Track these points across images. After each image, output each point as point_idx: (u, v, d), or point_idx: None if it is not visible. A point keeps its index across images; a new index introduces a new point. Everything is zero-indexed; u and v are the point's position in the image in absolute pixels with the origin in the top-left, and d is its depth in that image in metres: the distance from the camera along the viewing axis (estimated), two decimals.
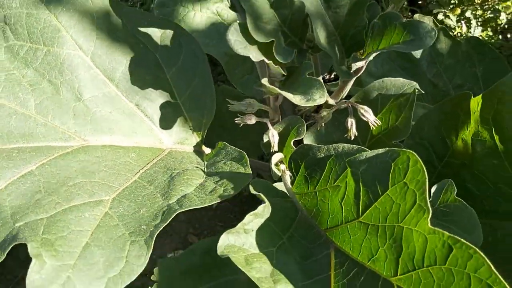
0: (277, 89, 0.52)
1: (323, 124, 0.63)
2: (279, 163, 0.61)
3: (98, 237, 0.47)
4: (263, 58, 0.50)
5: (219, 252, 0.45)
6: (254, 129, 0.66)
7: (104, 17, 0.60)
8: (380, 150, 0.45)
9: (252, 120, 0.60)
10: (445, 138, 0.67)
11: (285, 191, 0.58)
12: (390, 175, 0.43)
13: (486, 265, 0.34)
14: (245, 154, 0.57)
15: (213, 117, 0.65)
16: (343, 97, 0.64)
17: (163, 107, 0.63)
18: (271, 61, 0.51)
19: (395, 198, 0.42)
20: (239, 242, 0.46)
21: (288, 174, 0.58)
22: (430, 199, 0.55)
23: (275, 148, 0.59)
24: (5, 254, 0.45)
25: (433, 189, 0.55)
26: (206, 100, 0.65)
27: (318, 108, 0.68)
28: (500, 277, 0.34)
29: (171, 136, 0.64)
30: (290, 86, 0.54)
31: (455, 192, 0.54)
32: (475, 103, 0.60)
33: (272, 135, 0.59)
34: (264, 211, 0.48)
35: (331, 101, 0.62)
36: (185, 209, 0.49)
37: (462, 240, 0.36)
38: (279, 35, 0.53)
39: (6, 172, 0.51)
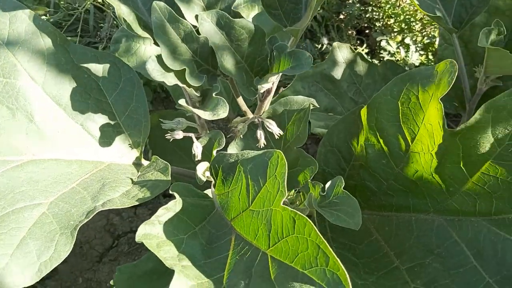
0: (190, 107, 0.64)
1: (241, 136, 0.74)
2: (206, 171, 0.73)
3: (33, 232, 0.58)
4: (177, 82, 0.63)
5: (137, 239, 0.56)
6: None
7: (53, 53, 0.73)
8: (261, 151, 0.56)
9: (180, 135, 0.72)
10: (350, 144, 0.79)
11: (208, 193, 0.69)
12: (268, 170, 0.55)
13: (314, 230, 0.45)
14: (169, 165, 0.69)
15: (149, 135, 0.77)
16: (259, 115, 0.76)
17: (104, 127, 0.75)
18: (184, 85, 0.64)
19: (270, 188, 0.54)
20: (154, 231, 0.57)
21: (212, 179, 0.69)
22: (324, 192, 0.67)
23: (199, 157, 0.71)
24: None
25: (327, 185, 0.67)
26: (141, 120, 0.76)
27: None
28: (322, 237, 0.45)
29: (112, 151, 0.75)
30: (204, 105, 0.66)
31: (343, 186, 0.66)
32: (363, 113, 0.73)
33: (196, 147, 0.71)
34: (175, 205, 0.59)
35: (251, 116, 0.74)
36: (106, 208, 0.60)
37: (299, 213, 0.47)
38: (193, 64, 0.65)
39: None
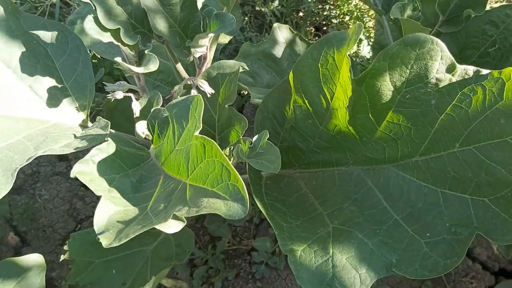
0: (125, 64, 0.70)
1: (178, 96, 0.81)
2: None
3: None
4: (112, 40, 0.69)
5: (72, 175, 0.62)
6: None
7: (4, 19, 0.78)
8: (184, 97, 0.63)
9: (120, 95, 0.78)
10: (283, 110, 0.86)
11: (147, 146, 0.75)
12: (190, 112, 0.61)
13: (219, 151, 0.52)
14: (109, 123, 0.75)
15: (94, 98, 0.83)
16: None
17: (51, 89, 0.80)
18: (119, 43, 0.70)
19: (190, 127, 0.60)
20: (88, 169, 0.63)
21: (150, 136, 0.75)
22: (251, 145, 0.73)
23: (137, 114, 0.77)
24: None
25: (254, 138, 0.74)
26: (87, 84, 0.82)
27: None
28: (223, 155, 0.51)
29: (59, 112, 0.81)
30: (140, 63, 0.73)
31: (267, 137, 0.72)
32: (291, 77, 0.80)
33: (135, 105, 0.77)
34: (108, 147, 0.65)
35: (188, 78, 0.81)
36: (44, 154, 0.65)
37: (207, 138, 0.53)
38: (128, 26, 0.72)
39: None
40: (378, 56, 0.65)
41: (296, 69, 0.78)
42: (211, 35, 0.74)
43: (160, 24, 0.72)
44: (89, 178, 0.62)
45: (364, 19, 1.80)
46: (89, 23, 0.68)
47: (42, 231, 1.53)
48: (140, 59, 0.74)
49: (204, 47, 0.78)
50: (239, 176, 0.49)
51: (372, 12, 1.81)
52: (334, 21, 1.87)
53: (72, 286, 1.00)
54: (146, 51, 0.70)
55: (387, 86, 0.67)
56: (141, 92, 0.82)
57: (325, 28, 1.90)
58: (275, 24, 1.05)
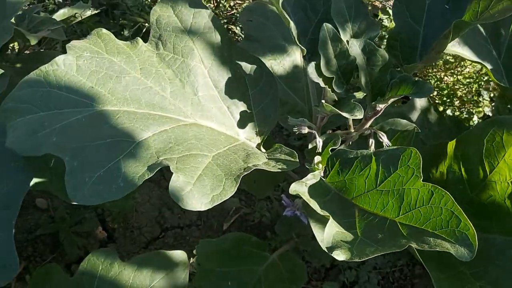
0: (331, 106, 0.82)
1: (350, 142, 0.92)
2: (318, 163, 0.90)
3: (206, 173, 0.74)
4: (325, 86, 0.81)
5: (291, 191, 0.72)
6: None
7: (220, 47, 0.92)
8: (395, 147, 0.74)
9: (306, 130, 0.89)
10: (428, 171, 0.97)
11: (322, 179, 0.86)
12: (400, 161, 0.72)
13: (451, 200, 0.62)
14: (294, 152, 0.86)
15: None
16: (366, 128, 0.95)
17: (242, 113, 0.93)
18: (330, 89, 0.82)
19: (402, 173, 0.71)
20: (302, 190, 0.73)
21: (319, 169, 0.86)
22: None
23: (320, 150, 0.88)
24: (153, 173, 0.71)
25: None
26: (271, 115, 0.94)
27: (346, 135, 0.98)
28: (457, 205, 0.61)
29: (244, 133, 0.92)
30: (339, 108, 0.85)
31: None
32: (451, 145, 0.91)
33: (319, 141, 0.88)
34: (314, 176, 0.76)
35: (353, 130, 0.93)
36: (253, 167, 0.76)
37: (438, 187, 0.64)
38: (337, 75, 0.84)
39: (152, 127, 0.78)
40: None
41: (461, 139, 0.89)
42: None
43: (362, 80, 0.84)
44: (306, 198, 0.72)
45: (453, 99, 1.94)
46: (311, 68, 0.81)
47: (130, 232, 1.61)
48: (340, 105, 0.85)
49: (385, 105, 0.90)
50: (471, 225, 0.59)
51: (460, 92, 1.94)
52: None
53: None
54: (352, 100, 0.82)
55: None
56: (317, 131, 0.94)
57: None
58: None
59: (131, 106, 0.80)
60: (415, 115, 1.18)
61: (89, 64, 0.81)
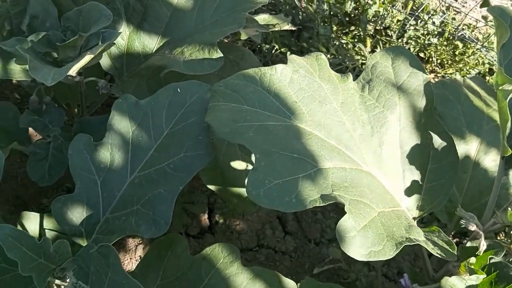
0: None
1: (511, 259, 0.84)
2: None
3: (371, 225, 0.73)
4: None
5: (447, 283, 0.68)
6: None
7: (421, 113, 0.91)
8: None
9: (474, 228, 0.84)
10: None
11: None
12: None
13: None
14: (453, 243, 0.81)
15: None
16: None
17: (413, 182, 0.90)
18: None
19: None
20: (460, 286, 0.69)
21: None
22: None
23: (480, 253, 0.82)
24: (325, 203, 0.72)
25: None
26: (440, 197, 0.91)
27: None
28: None
29: (406, 202, 0.90)
30: None
31: None
32: None
33: (483, 245, 0.82)
34: (478, 278, 0.71)
35: None
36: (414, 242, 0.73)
37: None
38: None
39: (335, 160, 0.80)
40: None
41: None
42: None
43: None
44: None
45: None
46: None
47: (230, 232, 1.64)
48: None
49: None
50: None
51: None
52: None
53: None
54: None
55: None
56: (483, 232, 0.87)
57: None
58: None
59: (322, 133, 0.83)
60: None
61: (301, 81, 0.86)
